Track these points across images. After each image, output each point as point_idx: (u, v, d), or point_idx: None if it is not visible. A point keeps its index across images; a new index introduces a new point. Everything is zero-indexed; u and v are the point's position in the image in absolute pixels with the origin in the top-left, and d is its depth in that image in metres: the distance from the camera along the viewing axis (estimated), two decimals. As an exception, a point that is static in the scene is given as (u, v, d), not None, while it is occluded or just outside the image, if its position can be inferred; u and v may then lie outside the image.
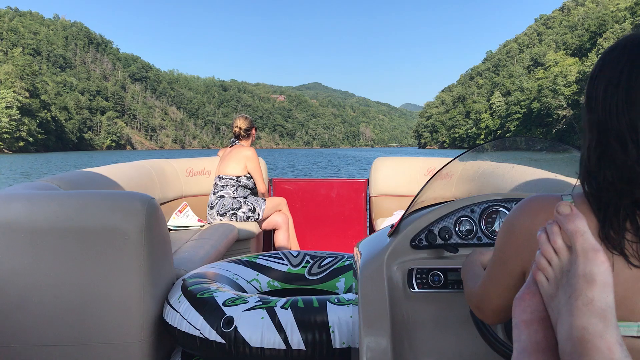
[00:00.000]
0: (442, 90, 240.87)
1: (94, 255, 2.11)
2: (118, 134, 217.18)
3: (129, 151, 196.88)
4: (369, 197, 4.71)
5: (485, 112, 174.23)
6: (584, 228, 0.78)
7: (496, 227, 1.68)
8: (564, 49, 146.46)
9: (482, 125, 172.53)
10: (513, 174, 2.85)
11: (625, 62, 0.84)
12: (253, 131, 4.72)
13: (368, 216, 4.76)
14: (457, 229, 1.67)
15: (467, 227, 1.67)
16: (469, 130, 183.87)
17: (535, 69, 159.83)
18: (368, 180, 4.74)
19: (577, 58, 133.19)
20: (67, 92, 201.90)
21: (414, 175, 4.53)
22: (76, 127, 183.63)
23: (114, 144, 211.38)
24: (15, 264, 2.11)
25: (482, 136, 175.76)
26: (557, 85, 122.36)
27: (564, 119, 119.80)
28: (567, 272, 0.79)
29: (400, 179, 4.58)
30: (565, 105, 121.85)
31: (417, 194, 1.73)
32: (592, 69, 0.93)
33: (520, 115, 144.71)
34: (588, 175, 0.88)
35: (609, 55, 0.89)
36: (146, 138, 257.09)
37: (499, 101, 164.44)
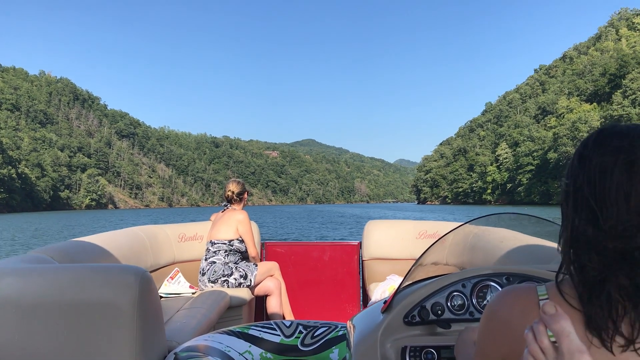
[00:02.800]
0: (441, 144, 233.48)
1: (85, 330, 2.08)
2: (99, 192, 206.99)
3: (110, 210, 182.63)
4: (362, 261, 4.72)
5: (491, 165, 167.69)
6: (569, 329, 0.80)
7: (488, 301, 1.69)
8: (577, 95, 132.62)
9: (489, 178, 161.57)
10: (504, 243, 2.91)
11: (612, 151, 0.89)
12: (245, 195, 4.79)
13: (361, 280, 4.76)
14: (449, 304, 1.67)
15: (459, 302, 1.67)
16: (474, 185, 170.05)
17: (544, 118, 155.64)
18: (360, 243, 4.77)
19: (594, 104, 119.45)
20: (45, 149, 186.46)
21: (407, 239, 4.58)
22: (50, 185, 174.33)
23: (94, 203, 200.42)
24: (5, 340, 2.08)
25: (489, 190, 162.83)
26: (578, 132, 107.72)
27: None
28: None
29: (393, 242, 4.60)
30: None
31: (413, 265, 1.75)
32: (575, 154, 0.97)
33: (533, 167, 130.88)
34: (577, 259, 0.92)
35: (593, 141, 0.94)
36: (130, 196, 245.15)
37: (506, 152, 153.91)
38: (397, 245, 4.58)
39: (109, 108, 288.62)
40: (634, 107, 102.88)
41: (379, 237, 4.66)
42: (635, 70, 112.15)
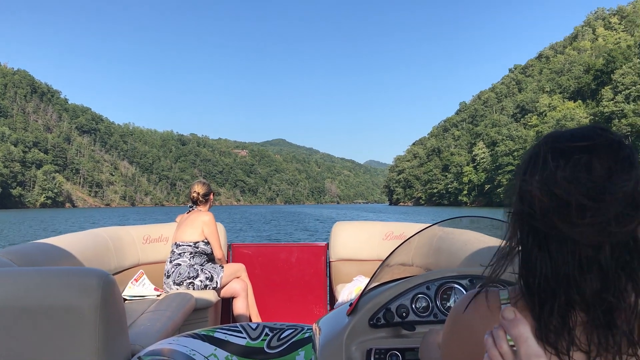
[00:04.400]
0: (414, 144, 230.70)
1: (47, 334, 2.05)
2: (55, 190, 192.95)
3: (67, 210, 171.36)
4: (329, 262, 4.76)
5: (468, 165, 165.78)
6: (527, 334, 0.82)
7: (451, 303, 1.71)
8: (560, 93, 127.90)
9: (465, 179, 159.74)
10: (469, 246, 2.98)
11: (560, 156, 0.89)
12: (211, 196, 4.80)
13: (328, 281, 4.81)
14: (413, 306, 1.69)
15: (424, 304, 1.69)
16: (449, 186, 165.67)
17: (524, 117, 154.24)
18: (328, 245, 4.81)
19: (579, 101, 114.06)
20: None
21: (374, 240, 4.65)
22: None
23: (49, 202, 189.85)
24: None
25: (465, 191, 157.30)
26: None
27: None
28: None
29: (360, 244, 4.66)
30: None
31: (379, 267, 1.77)
32: (521, 164, 0.98)
33: (513, 167, 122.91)
34: (526, 271, 0.92)
35: (536, 151, 0.95)
36: (90, 194, 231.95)
37: (484, 152, 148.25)
38: (364, 246, 4.63)
39: (69, 102, 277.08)
40: (628, 103, 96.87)
41: (346, 238, 4.70)
42: (626, 65, 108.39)
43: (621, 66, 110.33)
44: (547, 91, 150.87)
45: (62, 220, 60.30)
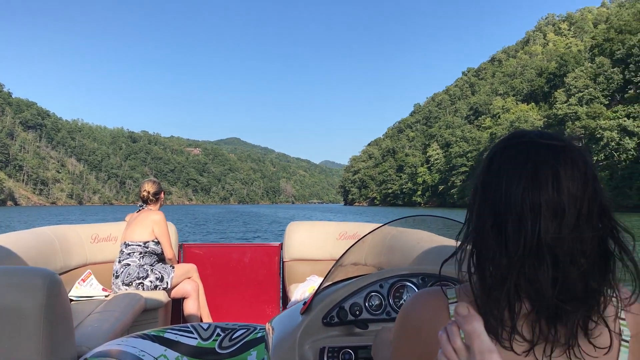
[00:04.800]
0: (369, 144, 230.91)
1: None
2: None
3: (9, 208, 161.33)
4: (283, 262, 4.78)
5: (422, 166, 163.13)
6: (480, 329, 0.84)
7: (404, 301, 1.72)
8: (513, 95, 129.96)
9: (419, 180, 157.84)
10: (421, 244, 3.02)
11: (522, 153, 0.93)
12: (162, 195, 4.73)
13: (282, 281, 4.81)
14: (367, 304, 1.71)
15: (377, 302, 1.72)
16: (404, 186, 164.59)
17: (478, 118, 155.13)
18: (282, 245, 4.82)
19: (532, 103, 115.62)
20: None
21: (328, 240, 4.68)
22: None
23: None
24: None
25: (419, 192, 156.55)
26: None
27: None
28: None
29: (314, 243, 4.69)
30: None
31: (333, 266, 1.79)
32: (486, 158, 1.01)
33: (467, 168, 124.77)
34: (484, 261, 0.94)
35: (504, 145, 0.99)
36: (34, 192, 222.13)
37: (437, 153, 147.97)
38: (318, 246, 4.65)
39: (13, 96, 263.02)
40: (581, 106, 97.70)
41: (300, 238, 4.72)
42: (578, 68, 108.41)
43: (573, 70, 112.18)
44: (500, 94, 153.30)
45: (4, 219, 56.94)
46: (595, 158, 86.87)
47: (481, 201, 0.95)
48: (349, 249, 1.82)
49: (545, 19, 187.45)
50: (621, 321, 0.96)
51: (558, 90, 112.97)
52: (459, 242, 0.98)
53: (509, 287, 0.89)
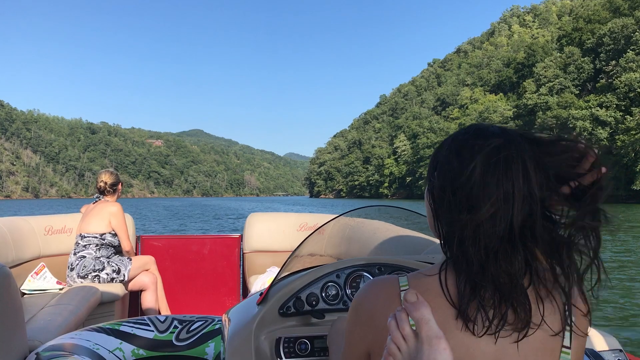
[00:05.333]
0: (335, 136, 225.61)
1: None
2: None
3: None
4: (243, 254, 4.78)
5: (389, 158, 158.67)
6: (428, 316, 0.85)
7: None
8: (481, 86, 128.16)
9: (386, 172, 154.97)
10: (378, 235, 3.08)
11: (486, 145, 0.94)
12: (119, 186, 4.65)
13: (242, 273, 4.82)
14: (323, 295, 1.73)
15: (334, 292, 1.74)
16: (371, 178, 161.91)
17: (445, 109, 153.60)
18: (242, 236, 4.82)
19: (500, 94, 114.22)
20: None
21: (288, 231, 4.71)
22: None
23: None
24: None
25: (386, 184, 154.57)
26: (490, 122, 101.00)
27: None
28: (414, 358, 0.86)
29: (274, 235, 4.71)
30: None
31: (289, 257, 1.81)
32: (440, 150, 1.02)
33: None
34: (458, 247, 0.94)
35: (464, 135, 1.00)
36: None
37: (404, 145, 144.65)
38: (278, 237, 4.67)
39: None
40: (552, 96, 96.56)
41: (260, 229, 4.72)
42: (547, 58, 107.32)
43: (542, 60, 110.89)
44: (467, 84, 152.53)
45: None
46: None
47: (452, 195, 0.95)
48: (305, 239, 1.84)
49: (510, 10, 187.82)
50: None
51: (527, 80, 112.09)
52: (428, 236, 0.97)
53: (486, 276, 0.90)
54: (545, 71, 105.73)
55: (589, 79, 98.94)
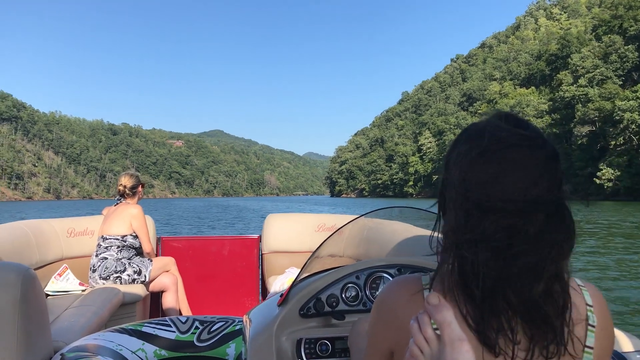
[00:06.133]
0: (355, 134, 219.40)
1: None
2: None
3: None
4: (261, 254, 4.81)
5: (413, 155, 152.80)
6: (450, 319, 0.85)
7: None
8: (510, 80, 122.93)
9: (411, 170, 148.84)
10: (397, 236, 3.08)
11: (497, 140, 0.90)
12: (140, 188, 4.70)
13: (260, 274, 4.85)
14: (343, 296, 1.73)
15: (353, 293, 1.73)
16: (394, 177, 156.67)
17: (472, 105, 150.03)
18: (260, 237, 4.85)
19: (532, 87, 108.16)
20: None
21: (306, 232, 4.71)
22: None
23: None
24: None
25: (411, 182, 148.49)
26: (524, 117, 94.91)
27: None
28: None
29: (292, 236, 4.72)
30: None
31: (310, 258, 1.80)
32: (452, 148, 0.99)
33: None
34: (461, 260, 0.92)
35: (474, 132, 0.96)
36: (9, 187, 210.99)
37: (430, 142, 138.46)
38: (296, 238, 4.68)
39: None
40: (592, 87, 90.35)
41: (278, 230, 4.74)
42: (584, 48, 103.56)
43: (577, 50, 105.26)
44: (495, 79, 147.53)
45: None
46: (612, 142, 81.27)
47: (461, 196, 0.93)
48: (325, 240, 1.83)
49: (537, 3, 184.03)
50: (588, 307, 0.99)
51: (562, 72, 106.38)
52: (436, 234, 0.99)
53: (487, 286, 0.89)
54: (582, 62, 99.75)
55: (634, 67, 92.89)
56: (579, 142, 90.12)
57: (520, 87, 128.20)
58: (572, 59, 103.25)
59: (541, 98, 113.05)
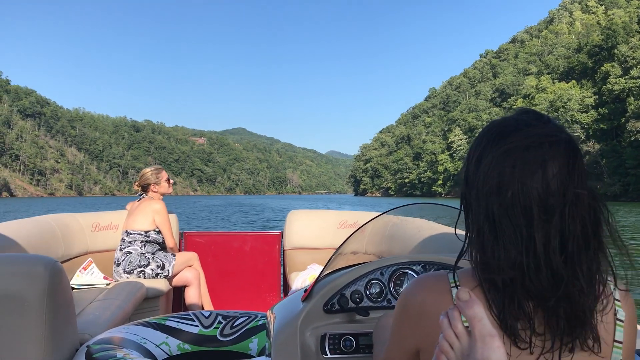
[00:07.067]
0: (381, 131, 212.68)
1: None
2: None
3: (4, 199, 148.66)
4: (283, 250, 4.86)
5: (443, 153, 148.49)
6: (481, 314, 0.84)
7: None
8: (548, 74, 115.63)
9: (440, 168, 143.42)
10: (421, 233, 3.10)
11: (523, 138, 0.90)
12: (152, 186, 4.73)
13: (282, 270, 4.91)
14: (367, 292, 1.73)
15: (377, 290, 1.74)
16: (422, 175, 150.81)
17: (506, 100, 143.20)
18: (282, 233, 4.91)
19: (573, 81, 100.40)
20: None
21: (328, 228, 4.74)
22: None
23: None
24: None
25: (440, 181, 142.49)
26: (566, 112, 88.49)
27: (587, 156, 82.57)
28: (467, 355, 0.85)
29: (314, 232, 4.75)
30: (582, 138, 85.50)
31: (334, 254, 1.81)
32: (476, 146, 0.99)
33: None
34: (483, 255, 0.94)
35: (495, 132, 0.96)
36: (31, 183, 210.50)
37: (460, 139, 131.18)
38: (318, 234, 4.71)
39: (12, 84, 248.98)
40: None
41: (300, 226, 4.77)
42: (635, 37, 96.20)
43: (625, 41, 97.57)
44: (531, 73, 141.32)
45: (5, 210, 55.02)
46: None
47: (483, 193, 0.93)
48: (348, 237, 1.84)
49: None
50: (616, 301, 0.99)
51: (609, 64, 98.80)
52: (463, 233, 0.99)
53: (515, 288, 0.90)
54: (633, 52, 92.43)
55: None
56: (632, 138, 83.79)
57: (559, 82, 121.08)
58: (619, 50, 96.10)
59: (584, 92, 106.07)
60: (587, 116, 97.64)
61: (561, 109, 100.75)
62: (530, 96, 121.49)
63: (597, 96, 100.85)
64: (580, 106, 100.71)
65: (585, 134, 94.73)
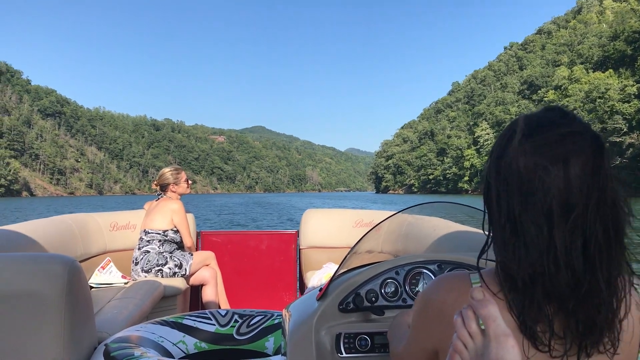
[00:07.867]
0: (402, 127, 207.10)
1: (10, 322, 2.01)
2: (9, 177, 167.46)
3: (24, 198, 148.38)
4: (299, 249, 4.87)
5: (469, 148, 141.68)
6: (495, 314, 0.84)
7: (420, 287, 1.76)
8: (581, 64, 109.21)
9: (466, 164, 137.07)
10: (437, 232, 3.09)
11: (555, 138, 0.87)
12: (171, 186, 4.79)
13: (298, 269, 4.93)
14: (382, 291, 1.73)
15: (392, 289, 1.73)
16: (447, 171, 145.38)
17: (536, 92, 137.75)
18: (298, 232, 4.92)
19: (610, 70, 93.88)
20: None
21: (343, 227, 4.74)
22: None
23: (2, 190, 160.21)
24: None
25: (466, 177, 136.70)
26: (605, 102, 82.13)
27: (631, 149, 76.58)
28: (481, 355, 0.84)
29: (330, 231, 4.76)
30: (624, 129, 79.34)
31: (349, 253, 1.81)
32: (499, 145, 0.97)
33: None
34: (504, 254, 0.92)
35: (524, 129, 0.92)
36: (51, 182, 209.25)
37: (487, 134, 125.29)
38: (333, 233, 4.71)
39: (32, 84, 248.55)
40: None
41: (316, 225, 4.77)
42: None
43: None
44: (561, 63, 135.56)
45: (18, 210, 54.77)
46: None
47: (505, 191, 0.91)
48: (363, 236, 1.83)
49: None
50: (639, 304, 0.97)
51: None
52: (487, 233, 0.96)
53: (536, 290, 0.87)
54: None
55: None
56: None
57: (594, 72, 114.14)
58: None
59: (623, 81, 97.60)
60: (630, 106, 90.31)
61: (598, 100, 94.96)
62: (562, 87, 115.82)
63: (639, 84, 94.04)
64: (621, 96, 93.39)
65: (627, 125, 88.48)
